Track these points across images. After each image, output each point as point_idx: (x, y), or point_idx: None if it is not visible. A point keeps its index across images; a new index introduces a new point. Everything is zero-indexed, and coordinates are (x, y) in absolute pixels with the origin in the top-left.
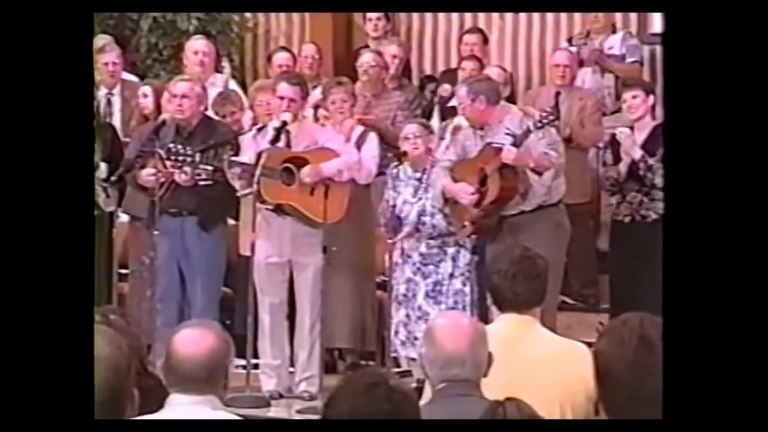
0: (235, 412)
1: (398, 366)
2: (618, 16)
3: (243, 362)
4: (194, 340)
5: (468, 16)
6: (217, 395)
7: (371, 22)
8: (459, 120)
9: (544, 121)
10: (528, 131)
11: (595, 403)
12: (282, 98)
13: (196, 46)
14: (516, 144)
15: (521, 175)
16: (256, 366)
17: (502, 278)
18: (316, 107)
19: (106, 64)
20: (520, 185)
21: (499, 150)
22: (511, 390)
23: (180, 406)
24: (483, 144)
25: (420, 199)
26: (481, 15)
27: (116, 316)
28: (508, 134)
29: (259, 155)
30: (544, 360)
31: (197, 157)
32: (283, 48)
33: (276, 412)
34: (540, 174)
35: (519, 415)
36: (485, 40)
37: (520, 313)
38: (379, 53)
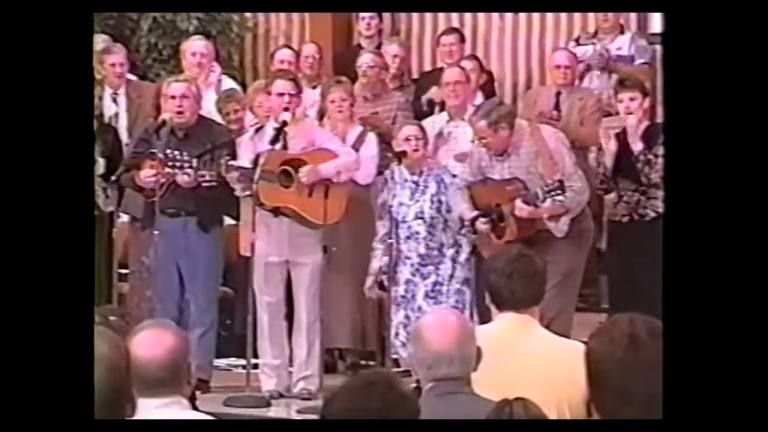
0: (235, 412)
1: (398, 366)
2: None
3: (243, 362)
4: (153, 342)
5: (468, 16)
6: (182, 395)
7: (364, 20)
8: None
9: (553, 194)
10: (537, 196)
11: (587, 402)
12: (281, 95)
13: (194, 47)
14: (527, 202)
15: (537, 221)
16: (256, 366)
17: (499, 276)
18: (319, 108)
19: (113, 65)
20: (534, 227)
21: (515, 195)
22: (507, 389)
23: (148, 410)
24: (500, 166)
25: (417, 201)
26: (481, 15)
27: (116, 316)
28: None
29: (257, 157)
30: (541, 359)
31: (194, 163)
32: (287, 45)
33: (276, 411)
34: (556, 221)
35: (525, 414)
36: (462, 39)
37: (518, 312)
38: (379, 54)
